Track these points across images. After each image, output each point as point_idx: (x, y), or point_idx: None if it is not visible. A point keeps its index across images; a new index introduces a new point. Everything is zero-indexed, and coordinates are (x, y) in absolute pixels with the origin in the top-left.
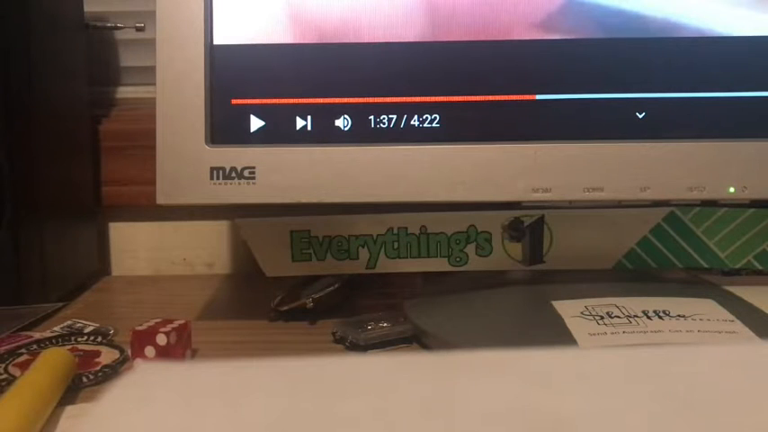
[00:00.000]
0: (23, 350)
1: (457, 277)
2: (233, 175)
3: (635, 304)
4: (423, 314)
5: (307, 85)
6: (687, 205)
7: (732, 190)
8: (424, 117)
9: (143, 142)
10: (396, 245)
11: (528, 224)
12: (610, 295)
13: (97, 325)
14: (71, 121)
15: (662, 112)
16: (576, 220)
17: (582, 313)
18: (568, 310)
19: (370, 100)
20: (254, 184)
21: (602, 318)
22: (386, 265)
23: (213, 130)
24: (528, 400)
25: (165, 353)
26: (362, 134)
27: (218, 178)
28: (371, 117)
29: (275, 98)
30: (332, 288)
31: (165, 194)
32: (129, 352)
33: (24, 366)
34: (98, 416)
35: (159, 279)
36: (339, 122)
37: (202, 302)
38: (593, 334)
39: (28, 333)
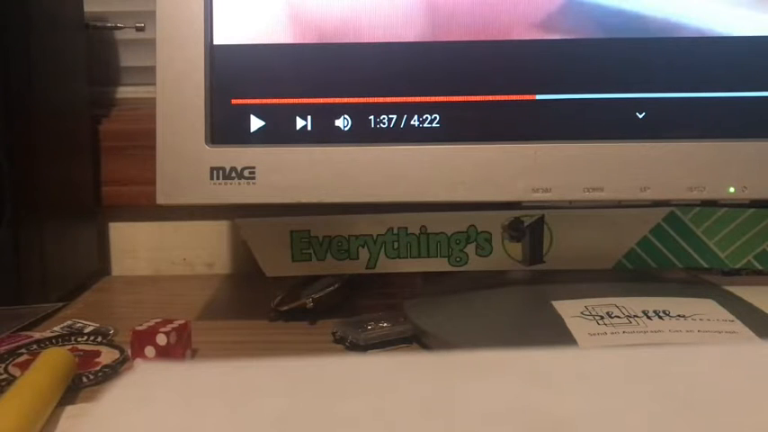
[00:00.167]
0: (23, 350)
1: (457, 277)
2: (233, 175)
3: (635, 304)
4: (423, 314)
5: (307, 85)
6: (687, 205)
7: (732, 190)
8: (424, 117)
9: (143, 142)
10: (396, 245)
11: (528, 224)
12: (610, 295)
13: (97, 325)
14: (71, 121)
15: (662, 112)
16: (576, 220)
17: (582, 313)
18: (568, 310)
19: (370, 100)
20: (254, 184)
21: (602, 318)
22: (386, 265)
23: (213, 130)
24: (528, 400)
25: (165, 353)
26: (362, 134)
27: (218, 178)
28: (371, 117)
29: (275, 98)
30: (332, 288)
31: (165, 194)
32: (129, 352)
33: (24, 366)
34: (98, 416)
35: (159, 279)
36: (339, 122)
37: (202, 302)
38: (593, 334)
39: (28, 333)
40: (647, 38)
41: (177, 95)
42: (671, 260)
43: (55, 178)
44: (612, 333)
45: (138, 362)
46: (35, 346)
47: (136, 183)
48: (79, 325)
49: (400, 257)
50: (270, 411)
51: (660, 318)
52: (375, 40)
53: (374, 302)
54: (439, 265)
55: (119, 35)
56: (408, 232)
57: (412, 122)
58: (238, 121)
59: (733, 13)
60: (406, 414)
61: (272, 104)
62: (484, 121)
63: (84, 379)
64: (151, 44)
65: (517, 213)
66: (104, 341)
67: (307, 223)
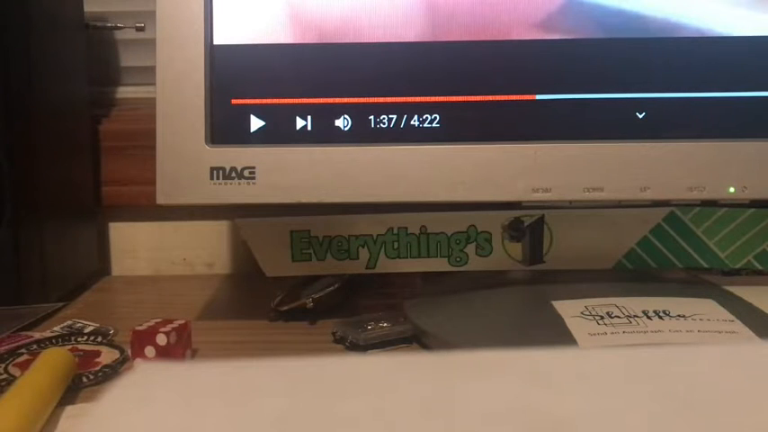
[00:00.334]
0: (23, 350)
1: (457, 277)
2: (233, 175)
3: (635, 304)
4: (423, 314)
5: (307, 85)
6: (687, 205)
7: (732, 190)
8: (424, 117)
9: (143, 142)
10: (396, 245)
11: (528, 224)
12: (610, 295)
13: (97, 325)
14: (71, 121)
15: (662, 112)
16: (576, 220)
17: (582, 313)
18: (568, 310)
19: (370, 100)
20: (254, 184)
21: (602, 318)
22: (386, 265)
23: (213, 130)
24: (528, 400)
25: (165, 353)
26: (362, 134)
27: (218, 178)
28: (371, 117)
29: (275, 98)
30: (332, 288)
31: (165, 194)
32: (129, 352)
33: (24, 366)
34: (98, 416)
35: (159, 279)
36: (339, 122)
37: (202, 302)
38: (593, 334)
39: (28, 333)
40: (647, 38)
41: (177, 95)
42: (671, 260)
43: (55, 178)
44: (612, 333)
45: (138, 362)
46: (35, 346)
47: (136, 183)
48: (79, 325)
49: (400, 257)
50: (270, 411)
51: (660, 318)
52: (375, 40)
53: (374, 302)
54: (439, 265)
55: (119, 35)
56: (408, 232)
57: (412, 122)
58: (238, 121)
59: (733, 13)
60: (406, 414)
61: (272, 104)
62: (484, 121)
63: (84, 379)
64: (151, 44)
65: (517, 213)
66: (104, 341)
67: (307, 223)
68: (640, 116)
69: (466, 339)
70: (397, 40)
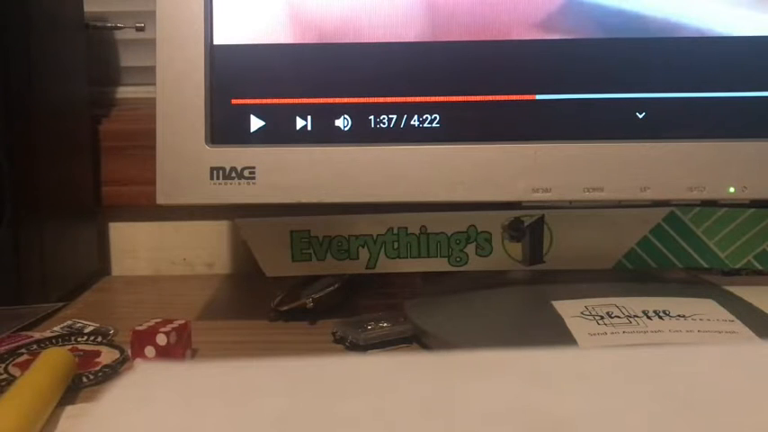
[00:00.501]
0: (23, 350)
1: (457, 277)
2: (233, 175)
3: (635, 304)
4: (423, 314)
5: (307, 85)
6: (687, 205)
7: (732, 190)
8: (424, 117)
9: (143, 142)
10: (396, 245)
11: (528, 224)
12: (610, 295)
13: (97, 325)
14: (71, 121)
15: (662, 112)
16: (576, 220)
17: (582, 313)
18: (568, 310)
19: (370, 100)
20: (254, 184)
21: (602, 318)
22: (386, 265)
23: (213, 130)
24: (528, 400)
25: (165, 353)
26: (362, 134)
27: (218, 178)
28: (371, 117)
29: (275, 98)
30: (332, 288)
31: (165, 194)
32: (129, 352)
33: (24, 366)
34: (98, 416)
35: (159, 279)
36: (339, 122)
37: (202, 302)
38: (593, 334)
39: (28, 333)
40: (647, 38)
41: (177, 95)
42: (671, 260)
43: (55, 178)
44: (612, 333)
45: (138, 362)
46: (35, 346)
47: (136, 183)
48: (79, 325)
49: (400, 257)
50: (270, 411)
51: (660, 318)
52: (375, 40)
53: (374, 302)
54: (439, 265)
55: (119, 35)
56: (408, 232)
57: (412, 122)
58: (238, 121)
59: (733, 13)
60: (406, 414)
61: (272, 104)
62: (484, 121)
63: (84, 379)
64: (151, 44)
65: (517, 213)
66: (104, 341)
67: (307, 223)
68: (640, 116)
69: (466, 339)
70: (397, 40)
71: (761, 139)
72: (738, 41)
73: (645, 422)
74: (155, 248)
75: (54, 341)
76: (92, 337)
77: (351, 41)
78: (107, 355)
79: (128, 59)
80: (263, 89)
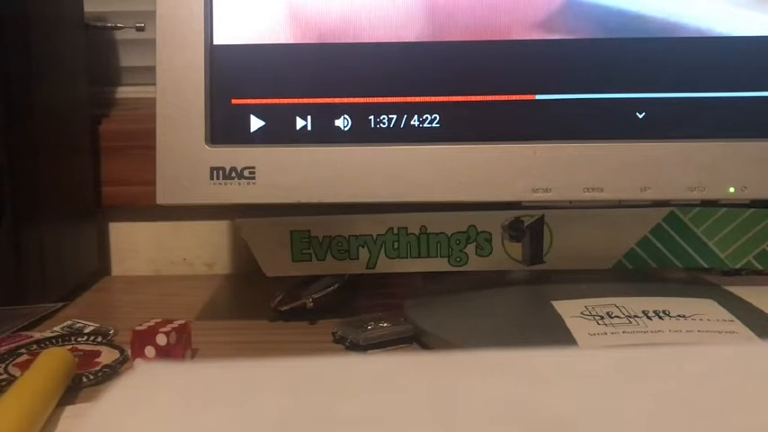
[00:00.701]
0: (23, 350)
1: (457, 277)
2: (233, 175)
3: (635, 304)
4: (423, 314)
5: (307, 85)
6: (687, 205)
7: (732, 190)
8: (424, 117)
9: (143, 142)
10: (396, 245)
11: (528, 224)
12: (610, 295)
13: (97, 325)
14: (71, 121)
15: (662, 112)
16: (576, 220)
17: (582, 313)
18: (568, 310)
19: (370, 100)
20: (254, 184)
21: (602, 318)
22: (386, 265)
23: (213, 130)
24: (528, 400)
25: (165, 353)
26: (362, 134)
27: (218, 178)
28: (371, 117)
29: (275, 98)
30: (332, 288)
31: (165, 194)
32: (129, 352)
33: (24, 366)
34: (98, 416)
35: (159, 279)
36: (339, 122)
37: (202, 302)
38: (593, 334)
39: (28, 333)
40: (647, 38)
41: (177, 95)
42: (671, 260)
43: (55, 178)
44: (612, 333)
45: (138, 362)
46: (35, 346)
47: (136, 183)
48: (79, 325)
49: (400, 257)
50: (270, 411)
51: (660, 318)
52: (375, 40)
53: (374, 302)
54: (439, 265)
55: (119, 35)
56: (408, 232)
57: (412, 122)
58: (238, 121)
59: (733, 13)
60: (407, 414)
61: (272, 104)
62: (484, 121)
63: (84, 379)
64: (151, 44)
65: (517, 213)
66: (104, 341)
67: (307, 223)
68: (640, 116)
69: (466, 339)
70: (397, 40)
71: (761, 139)
72: (738, 41)
73: (645, 422)
74: (155, 248)
75: (54, 341)
76: (92, 338)
77: (351, 41)
78: (107, 356)
79: (128, 59)
80: (262, 89)
